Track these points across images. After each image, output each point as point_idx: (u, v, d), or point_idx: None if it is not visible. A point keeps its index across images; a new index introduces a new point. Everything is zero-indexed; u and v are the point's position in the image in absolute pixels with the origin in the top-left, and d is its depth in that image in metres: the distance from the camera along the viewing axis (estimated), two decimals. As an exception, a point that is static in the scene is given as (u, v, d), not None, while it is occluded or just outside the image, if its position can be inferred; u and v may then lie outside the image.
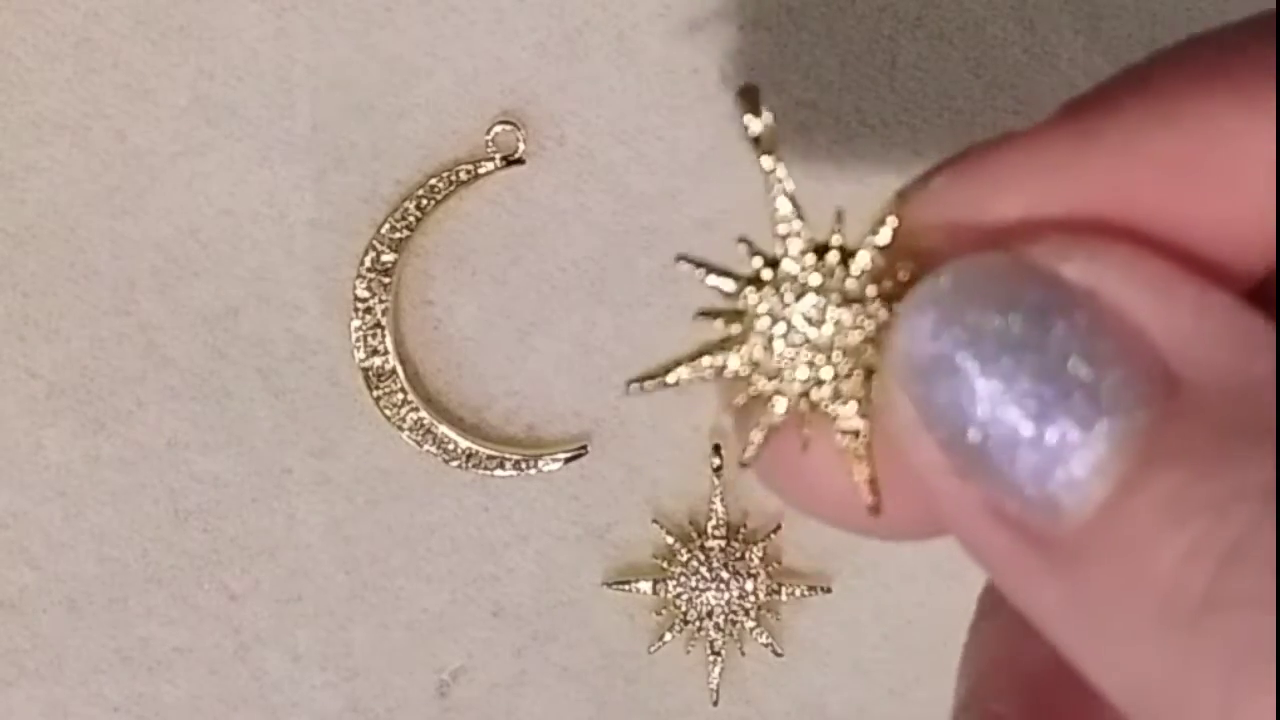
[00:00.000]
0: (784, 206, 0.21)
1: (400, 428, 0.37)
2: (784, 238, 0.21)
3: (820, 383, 0.20)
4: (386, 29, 0.37)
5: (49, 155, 0.37)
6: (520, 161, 0.37)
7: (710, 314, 0.22)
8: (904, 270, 0.20)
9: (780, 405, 0.21)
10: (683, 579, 0.37)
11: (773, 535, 0.37)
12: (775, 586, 0.37)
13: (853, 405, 0.20)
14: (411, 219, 0.37)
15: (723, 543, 0.37)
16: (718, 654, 0.38)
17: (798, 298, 0.20)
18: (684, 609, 0.37)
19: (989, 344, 0.18)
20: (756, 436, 0.21)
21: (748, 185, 0.37)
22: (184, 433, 0.38)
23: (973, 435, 0.18)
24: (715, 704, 0.38)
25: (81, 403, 0.38)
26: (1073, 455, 0.17)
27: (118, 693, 0.38)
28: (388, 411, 0.37)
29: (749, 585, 0.37)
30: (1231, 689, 0.16)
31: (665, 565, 0.37)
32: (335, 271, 0.37)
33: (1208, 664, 0.16)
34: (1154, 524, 0.17)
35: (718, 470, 0.37)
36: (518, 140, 0.37)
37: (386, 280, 0.37)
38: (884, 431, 0.20)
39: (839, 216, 0.21)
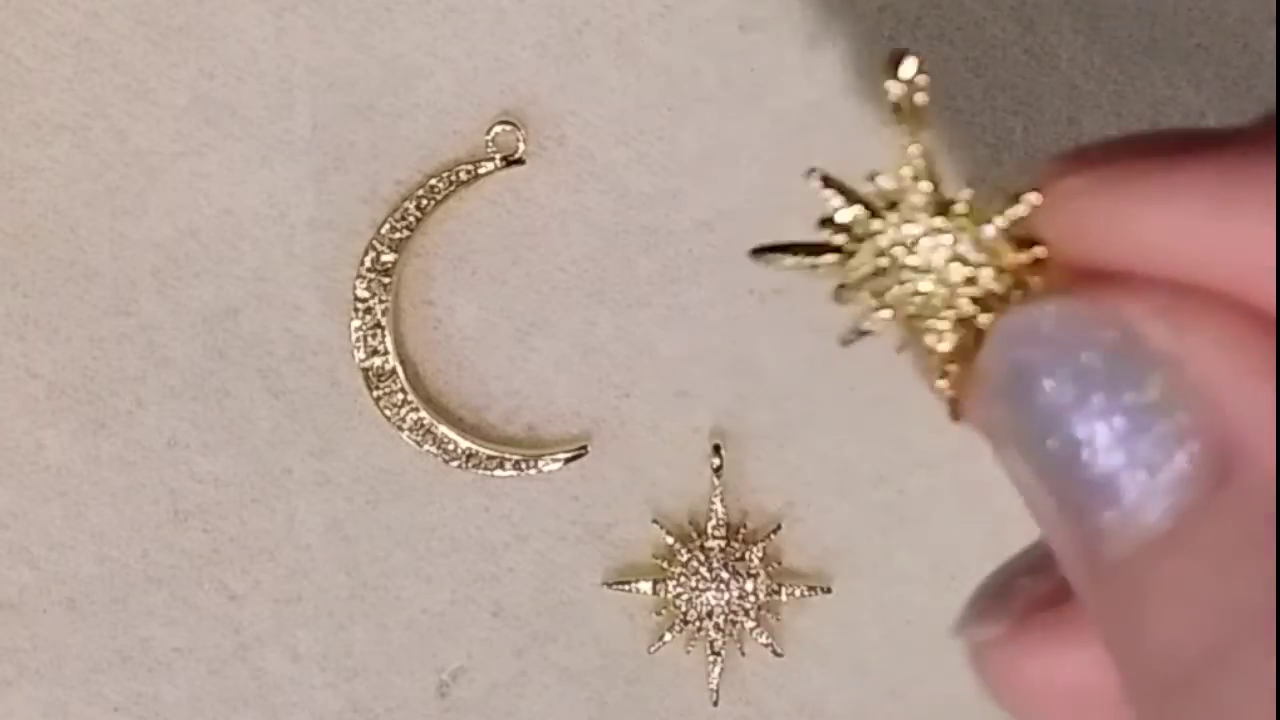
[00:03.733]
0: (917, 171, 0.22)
1: (400, 428, 0.37)
2: (914, 179, 0.22)
3: (925, 296, 0.21)
4: (386, 29, 0.37)
5: (49, 155, 0.37)
6: (520, 161, 0.37)
7: (831, 225, 0.22)
8: (1024, 270, 0.21)
9: (883, 317, 0.22)
10: (683, 579, 0.37)
11: (773, 535, 0.37)
12: (775, 587, 0.37)
13: (948, 332, 0.21)
14: (411, 219, 0.37)
15: (723, 543, 0.37)
16: (718, 654, 0.38)
17: (921, 238, 0.21)
18: (684, 609, 0.37)
19: (1068, 380, 0.19)
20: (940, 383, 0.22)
21: (748, 185, 0.37)
22: (184, 433, 0.38)
23: (1051, 444, 0.19)
24: (715, 704, 0.38)
25: (81, 403, 0.38)
26: (1124, 498, 0.19)
27: (118, 693, 0.38)
28: (388, 411, 0.37)
29: (749, 585, 0.37)
30: None
31: (665, 565, 0.37)
32: (335, 271, 0.37)
33: None
34: (1161, 598, 0.18)
35: (718, 470, 0.37)
36: (518, 140, 0.37)
37: (386, 280, 0.37)
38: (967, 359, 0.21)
39: (970, 184, 0.22)
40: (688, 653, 0.38)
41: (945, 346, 0.21)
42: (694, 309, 0.37)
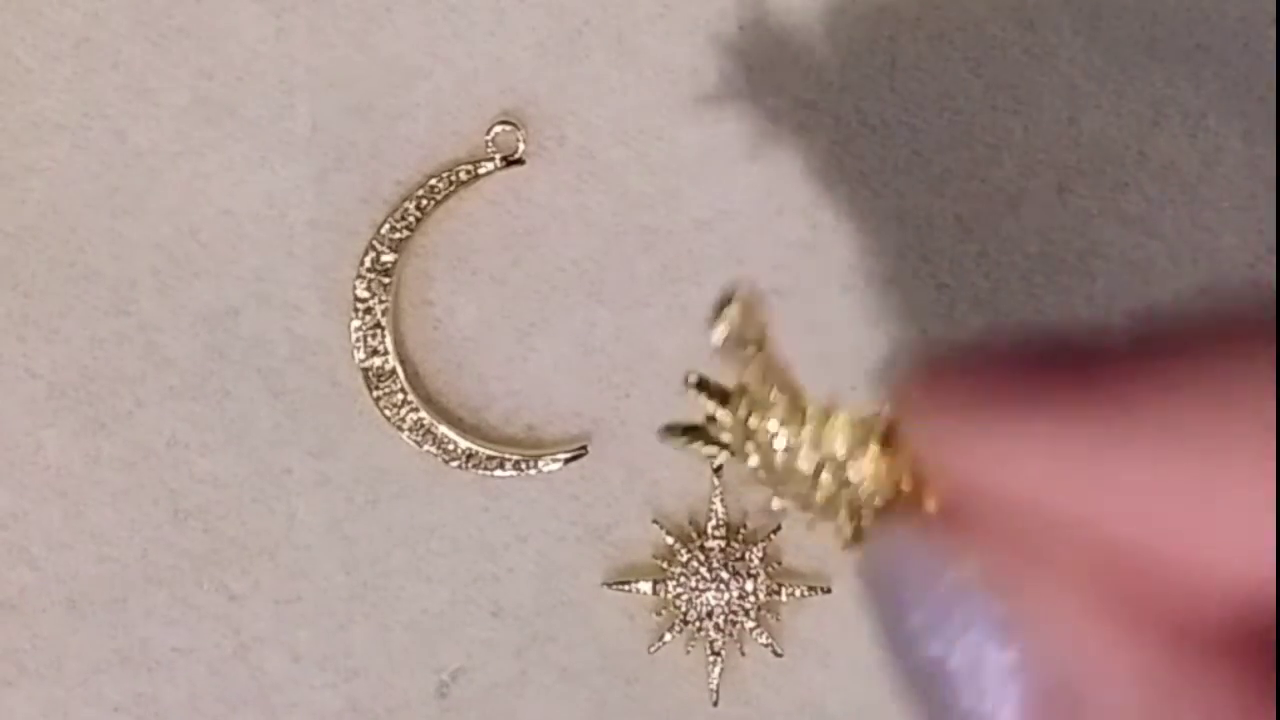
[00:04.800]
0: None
1: (400, 428, 0.37)
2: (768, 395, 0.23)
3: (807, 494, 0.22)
4: (386, 29, 0.37)
5: (49, 155, 0.37)
6: (520, 161, 0.37)
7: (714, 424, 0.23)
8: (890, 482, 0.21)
9: (777, 504, 0.23)
10: (683, 579, 0.37)
11: (773, 535, 0.37)
12: (775, 587, 0.37)
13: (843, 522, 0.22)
14: (411, 219, 0.37)
15: (723, 543, 0.37)
16: (718, 654, 0.38)
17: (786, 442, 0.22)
18: (684, 609, 0.37)
19: (924, 618, 0.20)
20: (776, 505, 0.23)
21: (748, 186, 0.37)
22: (184, 433, 0.38)
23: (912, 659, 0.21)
24: (715, 704, 0.38)
25: (81, 403, 0.38)
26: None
27: (117, 693, 0.38)
28: (388, 411, 0.37)
29: (749, 585, 0.37)
30: None
31: (665, 565, 0.37)
32: (335, 271, 0.37)
33: None
34: None
35: (718, 470, 0.37)
36: (518, 140, 0.37)
37: (386, 280, 0.37)
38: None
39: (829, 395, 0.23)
40: (688, 653, 0.38)
41: (845, 533, 0.22)
42: (694, 309, 0.37)
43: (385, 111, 0.37)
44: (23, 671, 0.38)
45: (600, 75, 0.37)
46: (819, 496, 0.22)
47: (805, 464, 0.22)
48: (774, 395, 0.23)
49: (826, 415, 0.22)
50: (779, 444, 0.22)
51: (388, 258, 0.37)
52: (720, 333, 0.23)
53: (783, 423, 0.22)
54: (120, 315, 0.38)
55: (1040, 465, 0.19)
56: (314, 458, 0.38)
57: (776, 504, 0.23)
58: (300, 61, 0.37)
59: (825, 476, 0.22)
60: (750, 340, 0.23)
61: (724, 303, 0.23)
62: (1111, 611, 0.19)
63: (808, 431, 0.22)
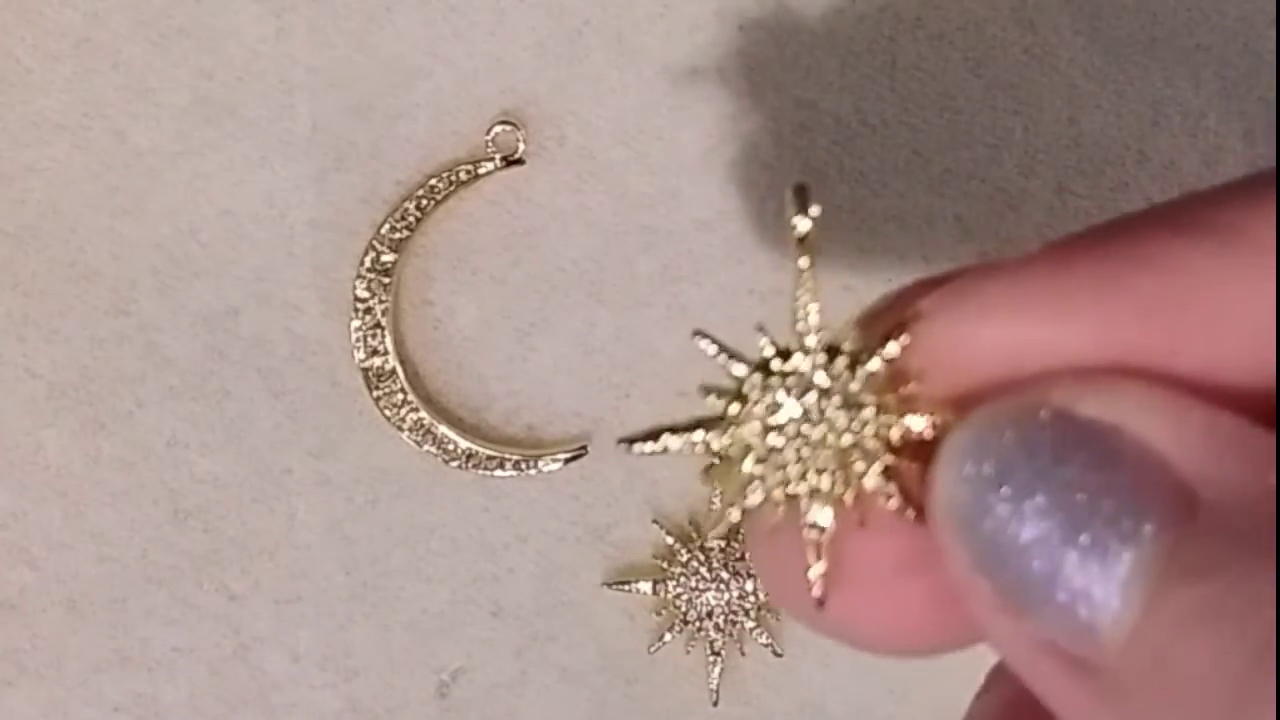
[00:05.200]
0: (809, 309, 0.21)
1: (400, 428, 0.37)
2: (801, 335, 0.21)
3: (802, 478, 0.21)
4: (386, 29, 0.37)
5: (49, 155, 0.37)
6: (520, 161, 0.37)
7: (714, 390, 0.22)
8: (925, 410, 0.21)
9: (757, 495, 0.21)
10: (683, 579, 0.37)
11: None
12: None
13: (827, 506, 0.21)
14: (411, 219, 0.37)
15: (723, 543, 0.37)
16: (718, 654, 0.38)
17: (801, 394, 0.21)
18: (684, 609, 0.37)
19: (1019, 487, 0.19)
20: (733, 515, 0.22)
21: (747, 186, 0.37)
22: (184, 433, 0.38)
23: (1013, 573, 0.19)
24: (715, 704, 0.38)
25: (81, 403, 0.38)
26: (1100, 584, 0.18)
27: (117, 693, 0.38)
28: (387, 412, 0.37)
29: (749, 585, 0.37)
30: None
31: (665, 565, 0.37)
32: (335, 271, 0.37)
33: None
34: (1180, 637, 0.18)
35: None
36: (518, 140, 0.37)
37: (386, 280, 0.37)
38: (843, 534, 0.21)
39: (855, 323, 0.22)
40: (688, 653, 0.38)
41: (825, 520, 0.21)
42: (694, 309, 0.37)
43: (385, 111, 0.37)
44: (23, 671, 0.38)
45: (600, 75, 0.37)
46: (823, 459, 0.21)
47: (829, 405, 0.21)
48: (810, 330, 0.21)
49: (853, 346, 0.21)
50: (795, 395, 0.21)
51: (388, 258, 0.37)
52: (804, 224, 0.21)
53: (815, 357, 0.21)
54: (120, 315, 0.38)
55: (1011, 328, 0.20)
56: (314, 458, 0.38)
57: (752, 498, 0.22)
58: (300, 61, 0.37)
59: (841, 417, 0.21)
60: (813, 251, 0.22)
61: (802, 193, 0.22)
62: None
63: (833, 375, 0.21)
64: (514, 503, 0.38)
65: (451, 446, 0.37)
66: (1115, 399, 0.20)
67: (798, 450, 0.21)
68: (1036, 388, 0.20)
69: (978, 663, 0.37)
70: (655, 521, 0.38)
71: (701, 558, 0.37)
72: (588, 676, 0.38)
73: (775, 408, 0.21)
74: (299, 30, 0.37)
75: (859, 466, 0.21)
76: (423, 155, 0.37)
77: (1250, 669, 0.17)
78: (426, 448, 0.37)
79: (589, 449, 0.37)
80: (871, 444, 0.21)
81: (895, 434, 0.21)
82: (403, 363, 0.37)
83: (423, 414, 0.37)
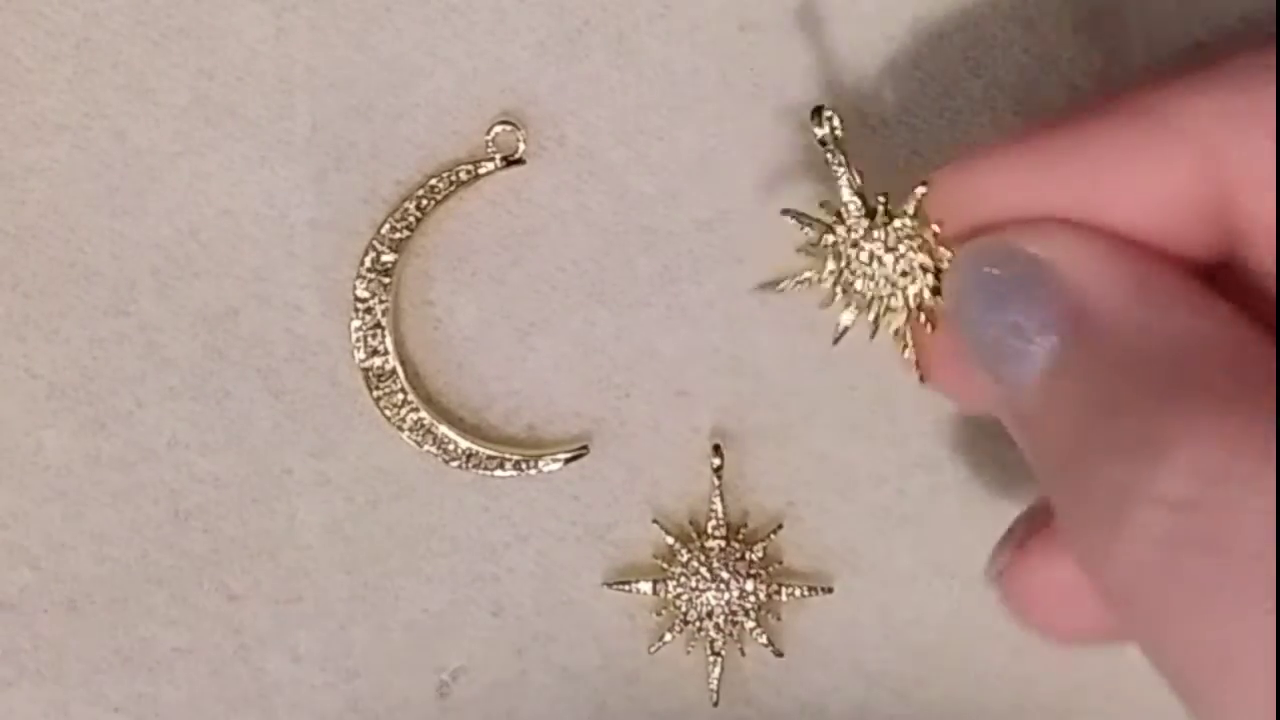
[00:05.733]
0: (844, 191, 0.33)
1: (400, 428, 0.37)
2: (846, 204, 0.33)
3: (881, 298, 0.33)
4: (386, 29, 0.37)
5: (49, 155, 0.37)
6: (520, 161, 0.37)
7: (805, 248, 0.34)
8: (932, 239, 0.32)
9: (849, 316, 0.33)
10: (683, 579, 0.37)
11: (773, 535, 0.37)
12: (775, 587, 0.37)
13: (901, 314, 0.33)
14: (411, 219, 0.37)
15: (723, 543, 0.37)
16: (718, 654, 0.38)
17: (861, 241, 0.33)
18: (684, 609, 0.37)
19: (989, 295, 0.29)
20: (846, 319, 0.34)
21: (748, 185, 0.38)
22: (184, 433, 0.38)
23: (985, 350, 0.29)
24: (715, 704, 0.38)
25: (81, 403, 0.38)
26: (1023, 363, 0.28)
27: (118, 693, 0.38)
28: (388, 412, 0.37)
29: (749, 585, 0.37)
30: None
31: (665, 566, 0.37)
32: (335, 271, 0.37)
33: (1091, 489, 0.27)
34: (1054, 397, 0.28)
35: (718, 470, 0.37)
36: (518, 140, 0.37)
37: (386, 280, 0.37)
38: (923, 333, 0.33)
39: (885, 196, 0.33)
40: (688, 653, 0.38)
41: (899, 322, 0.33)
42: (694, 309, 0.37)
43: (385, 111, 0.37)
44: (23, 671, 0.38)
45: (600, 75, 0.37)
46: (886, 286, 0.33)
47: (881, 249, 0.33)
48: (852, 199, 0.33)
49: (887, 206, 0.33)
50: (859, 239, 0.33)
51: (388, 258, 0.37)
52: (820, 131, 0.33)
53: (862, 220, 0.33)
54: (120, 315, 0.38)
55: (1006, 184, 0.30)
56: (314, 458, 0.38)
57: (847, 317, 0.33)
58: (300, 61, 0.37)
59: (891, 259, 0.33)
60: (841, 149, 0.33)
61: (817, 112, 0.33)
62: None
63: (879, 226, 0.33)
64: (514, 502, 0.38)
65: (451, 446, 0.37)
66: (1047, 240, 0.29)
67: (873, 280, 0.33)
68: (1000, 233, 0.30)
69: (972, 669, 0.37)
70: (655, 521, 0.38)
71: (702, 558, 0.37)
72: (588, 676, 0.38)
73: (849, 254, 0.33)
74: (299, 30, 0.37)
75: (910, 286, 0.33)
76: (423, 155, 0.37)
77: (1090, 428, 0.27)
78: (427, 448, 0.37)
79: (589, 449, 0.37)
80: (914, 268, 0.32)
81: (926, 260, 0.32)
82: (403, 363, 0.37)
83: (423, 414, 0.37)
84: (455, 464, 0.37)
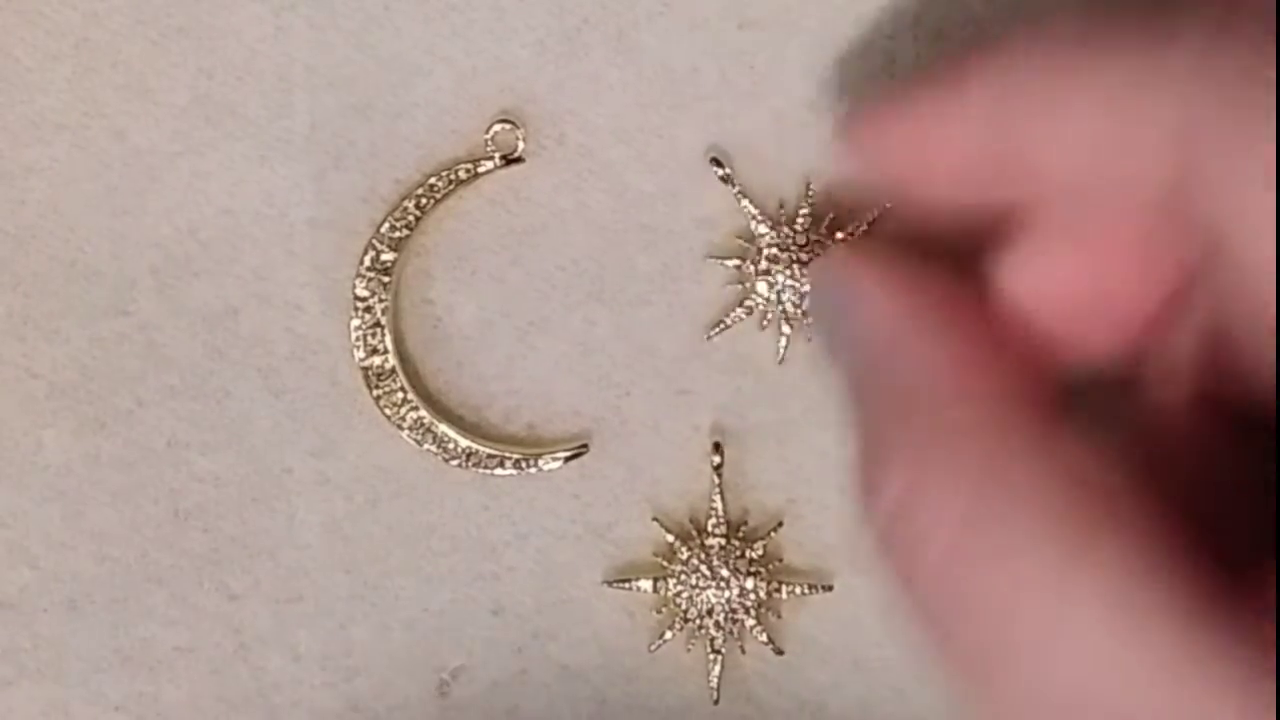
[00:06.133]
0: (754, 222, 0.37)
1: (400, 426, 0.37)
2: (758, 236, 0.37)
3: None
4: (385, 28, 0.37)
5: (49, 155, 0.37)
6: (520, 160, 0.37)
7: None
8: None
9: (788, 329, 0.37)
10: (683, 577, 0.37)
11: (773, 534, 0.37)
12: (775, 585, 0.37)
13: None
14: (411, 218, 0.37)
15: (723, 541, 0.37)
16: (718, 652, 0.37)
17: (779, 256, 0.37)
18: (684, 607, 0.37)
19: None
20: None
21: (748, 186, 0.38)
22: (184, 432, 0.38)
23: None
24: (716, 702, 0.38)
25: (81, 402, 0.38)
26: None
27: (118, 692, 0.38)
28: (387, 410, 0.37)
29: (749, 583, 0.37)
30: None
31: (665, 564, 0.37)
32: (335, 271, 0.37)
33: None
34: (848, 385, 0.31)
35: (718, 468, 0.37)
36: (517, 139, 0.37)
37: (386, 279, 0.37)
38: None
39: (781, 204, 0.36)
40: (688, 651, 0.38)
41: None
42: (694, 308, 0.37)
43: (384, 110, 0.37)
44: (23, 671, 0.38)
45: (600, 74, 0.37)
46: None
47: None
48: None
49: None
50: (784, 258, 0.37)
51: (388, 256, 0.37)
52: (722, 172, 0.36)
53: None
54: (120, 315, 0.38)
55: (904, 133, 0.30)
56: (314, 457, 0.38)
57: (787, 329, 0.37)
58: (300, 60, 0.37)
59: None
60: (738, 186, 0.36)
61: (714, 160, 0.36)
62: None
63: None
64: (514, 501, 0.38)
65: (451, 445, 0.37)
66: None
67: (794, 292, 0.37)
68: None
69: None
70: (655, 519, 0.38)
71: (702, 555, 0.37)
72: (588, 675, 0.38)
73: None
74: (298, 29, 0.37)
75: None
76: (422, 154, 0.37)
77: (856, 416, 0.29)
78: (426, 446, 0.37)
79: (589, 447, 0.37)
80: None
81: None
82: (403, 361, 0.37)
83: (422, 412, 0.37)
84: (455, 462, 0.37)
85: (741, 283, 0.37)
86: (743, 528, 0.38)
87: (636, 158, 0.37)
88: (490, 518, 0.38)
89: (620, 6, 0.37)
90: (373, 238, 0.37)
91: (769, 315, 0.37)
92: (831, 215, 0.37)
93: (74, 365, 0.38)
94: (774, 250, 0.37)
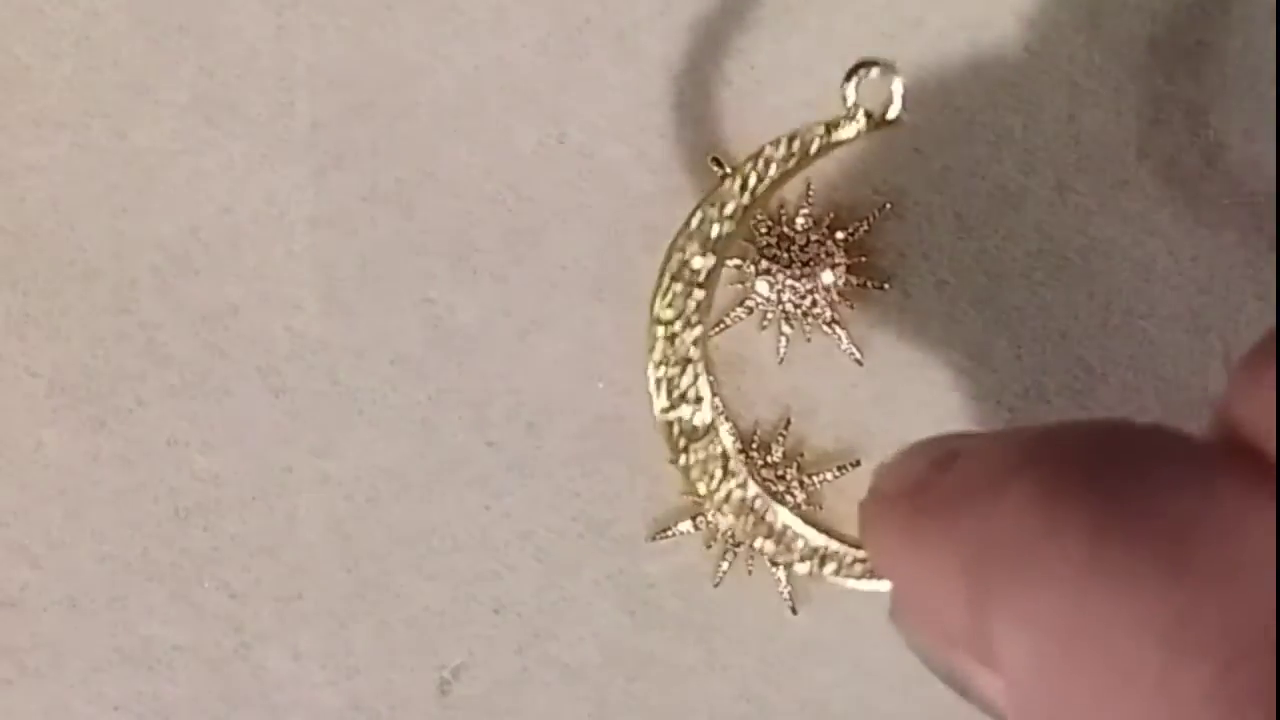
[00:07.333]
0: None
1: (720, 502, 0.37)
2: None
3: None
4: (386, 27, 0.37)
5: (49, 153, 0.37)
6: (898, 122, 0.35)
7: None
8: None
9: (788, 328, 0.37)
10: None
11: (783, 434, 0.37)
12: (806, 478, 0.37)
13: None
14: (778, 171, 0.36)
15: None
16: (777, 565, 0.37)
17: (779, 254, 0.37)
18: (729, 530, 0.37)
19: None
20: None
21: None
22: (184, 431, 0.38)
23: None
24: (794, 612, 0.37)
25: (81, 401, 0.38)
26: None
27: (118, 691, 0.38)
28: (694, 472, 0.36)
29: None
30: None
31: (698, 495, 0.37)
32: (335, 270, 0.37)
33: None
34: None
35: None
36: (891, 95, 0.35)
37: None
38: None
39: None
40: (749, 573, 0.37)
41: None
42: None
43: (385, 110, 0.37)
44: (23, 670, 0.38)
45: (600, 73, 0.37)
46: None
47: None
48: None
49: None
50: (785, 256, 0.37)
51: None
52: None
53: None
54: (120, 314, 0.38)
55: None
56: (314, 456, 0.38)
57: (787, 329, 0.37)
58: (300, 59, 0.37)
59: None
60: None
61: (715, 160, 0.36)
62: None
63: None
64: (515, 500, 0.38)
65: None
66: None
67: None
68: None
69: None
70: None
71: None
72: (589, 674, 0.38)
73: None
74: (299, 28, 0.37)
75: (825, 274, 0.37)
76: (423, 153, 0.37)
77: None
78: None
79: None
80: (820, 255, 0.37)
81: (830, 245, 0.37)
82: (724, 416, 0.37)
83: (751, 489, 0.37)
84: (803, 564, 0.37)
85: (741, 283, 0.37)
86: (754, 437, 0.37)
87: (637, 157, 0.37)
88: (491, 516, 0.38)
89: (621, 7, 0.37)
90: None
91: (769, 315, 0.37)
92: (832, 215, 0.37)
93: (74, 364, 0.38)
94: (774, 250, 0.37)
